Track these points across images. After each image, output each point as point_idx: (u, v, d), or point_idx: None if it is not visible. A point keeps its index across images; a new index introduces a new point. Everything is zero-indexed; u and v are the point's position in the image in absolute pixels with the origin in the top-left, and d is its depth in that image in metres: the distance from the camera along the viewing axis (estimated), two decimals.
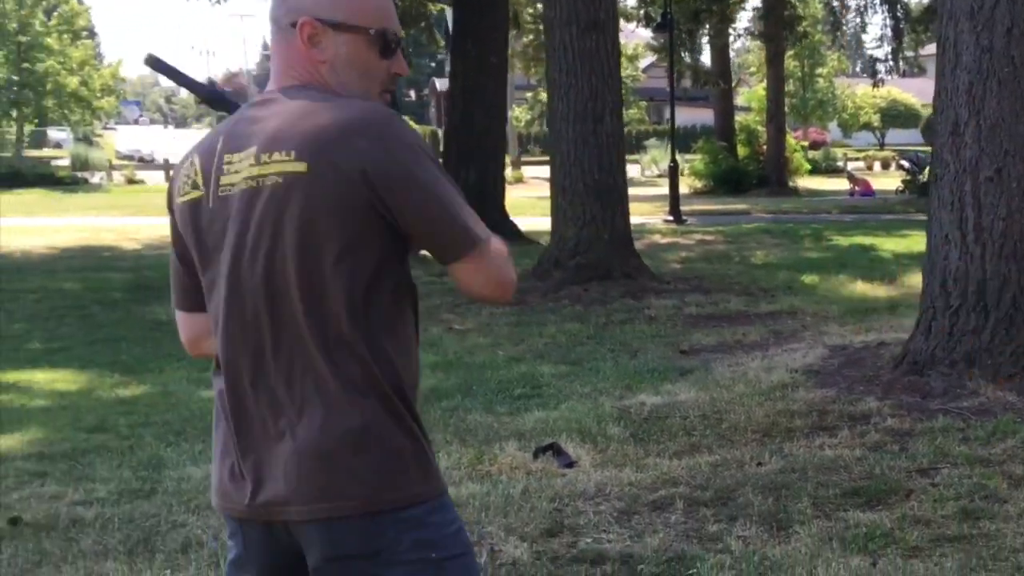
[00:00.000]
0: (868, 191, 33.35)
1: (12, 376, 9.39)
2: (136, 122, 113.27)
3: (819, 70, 45.78)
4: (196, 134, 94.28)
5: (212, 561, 5.11)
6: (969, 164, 7.72)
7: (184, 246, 2.41)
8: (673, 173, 25.17)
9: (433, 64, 77.54)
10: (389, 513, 2.24)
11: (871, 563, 4.98)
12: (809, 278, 14.51)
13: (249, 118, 2.32)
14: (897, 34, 31.19)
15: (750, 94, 43.98)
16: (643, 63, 53.88)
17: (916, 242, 18.55)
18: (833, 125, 56.76)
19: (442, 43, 30.69)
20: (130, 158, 57.61)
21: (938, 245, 7.96)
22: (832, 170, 46.13)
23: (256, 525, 2.36)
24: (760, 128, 36.50)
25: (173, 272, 2.51)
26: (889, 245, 18.71)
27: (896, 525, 5.43)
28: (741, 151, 36.62)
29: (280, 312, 2.25)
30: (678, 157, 26.31)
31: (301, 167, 2.17)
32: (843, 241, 19.86)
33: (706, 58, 39.60)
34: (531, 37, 28.95)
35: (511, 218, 20.09)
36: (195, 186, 2.34)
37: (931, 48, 35.69)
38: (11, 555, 5.27)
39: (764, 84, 39.00)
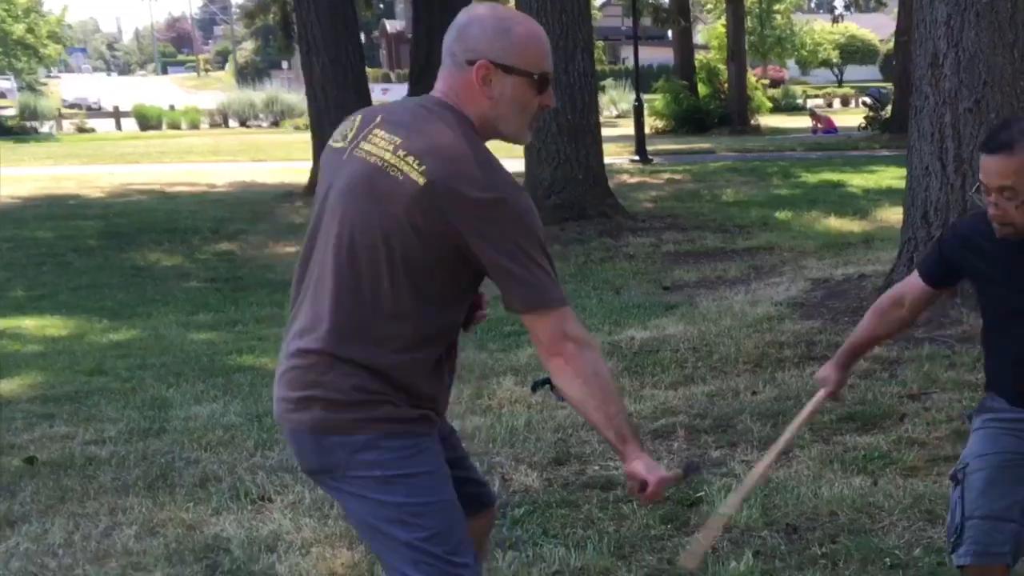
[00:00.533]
0: (831, 128, 33.51)
1: (1, 323, 9.41)
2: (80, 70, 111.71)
3: (776, 6, 45.80)
4: (140, 81, 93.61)
5: (232, 494, 5.26)
6: (948, 96, 7.86)
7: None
8: (638, 113, 25.19)
9: (382, 5, 76.84)
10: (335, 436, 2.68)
11: (872, 482, 5.17)
12: (782, 215, 14.68)
13: (411, 111, 2.70)
14: None
15: (709, 32, 43.96)
16: (598, 1, 53.78)
17: (884, 177, 18.82)
18: (791, 63, 56.92)
19: None
20: (77, 106, 56.87)
21: (919, 176, 8.12)
22: (792, 108, 46.19)
23: None
24: (721, 66, 36.53)
25: None
26: (857, 181, 18.91)
27: (892, 447, 5.63)
28: (702, 90, 36.63)
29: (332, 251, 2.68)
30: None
31: (420, 180, 2.54)
32: (811, 178, 20.03)
33: None
34: None
35: None
36: (344, 137, 2.73)
37: None
38: (33, 492, 5.37)
39: (723, 22, 39.02)
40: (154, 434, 6.26)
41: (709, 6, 46.34)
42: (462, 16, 2.70)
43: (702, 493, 5.07)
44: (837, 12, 33.88)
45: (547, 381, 7.16)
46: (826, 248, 11.83)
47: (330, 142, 2.78)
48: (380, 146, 2.62)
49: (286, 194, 18.06)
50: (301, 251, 2.83)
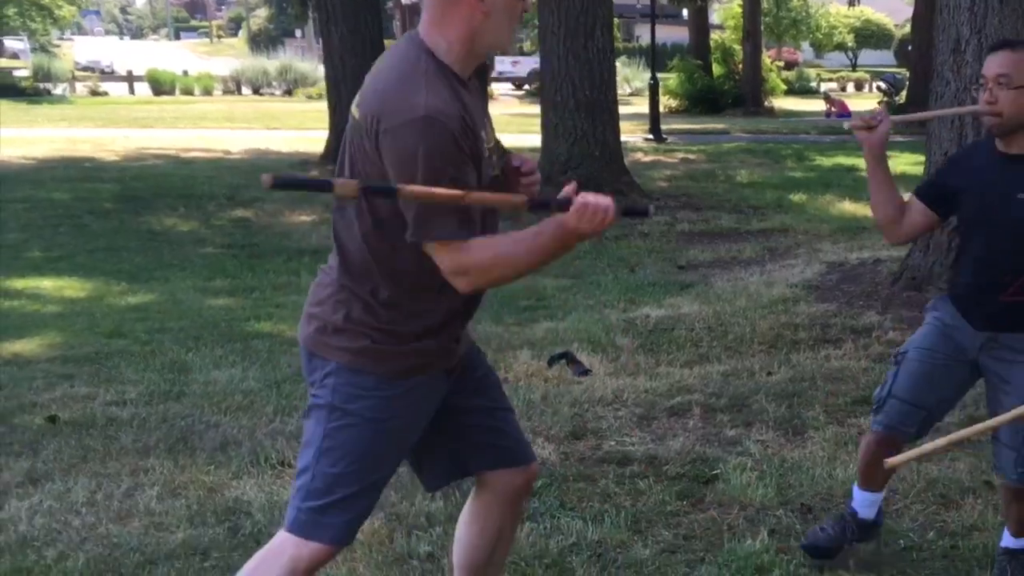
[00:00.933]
0: (845, 112, 33.36)
1: (19, 283, 9.47)
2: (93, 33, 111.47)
3: None
4: (153, 46, 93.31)
5: (252, 458, 5.32)
6: (970, 82, 7.85)
7: None
8: (653, 91, 25.16)
9: None
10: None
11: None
12: (797, 197, 14.71)
13: (381, 58, 2.83)
14: None
15: (725, 12, 43.77)
16: None
17: (899, 163, 18.70)
18: (805, 46, 56.65)
19: None
20: (90, 69, 56.74)
21: (937, 163, 8.12)
22: (805, 91, 46.02)
23: None
24: (736, 47, 36.41)
25: None
26: None
27: None
28: (716, 70, 36.53)
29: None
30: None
31: (356, 113, 2.70)
32: (825, 161, 20.02)
33: None
34: None
35: None
36: (355, 103, 2.79)
37: None
38: (55, 450, 5.43)
39: (739, 2, 38.86)
40: (174, 397, 6.32)
41: None
42: None
43: (718, 471, 5.12)
44: None
45: (564, 355, 7.26)
46: (841, 232, 11.86)
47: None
48: (356, 99, 2.75)
49: (302, 163, 18.08)
50: None
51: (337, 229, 2.88)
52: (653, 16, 24.52)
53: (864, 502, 4.23)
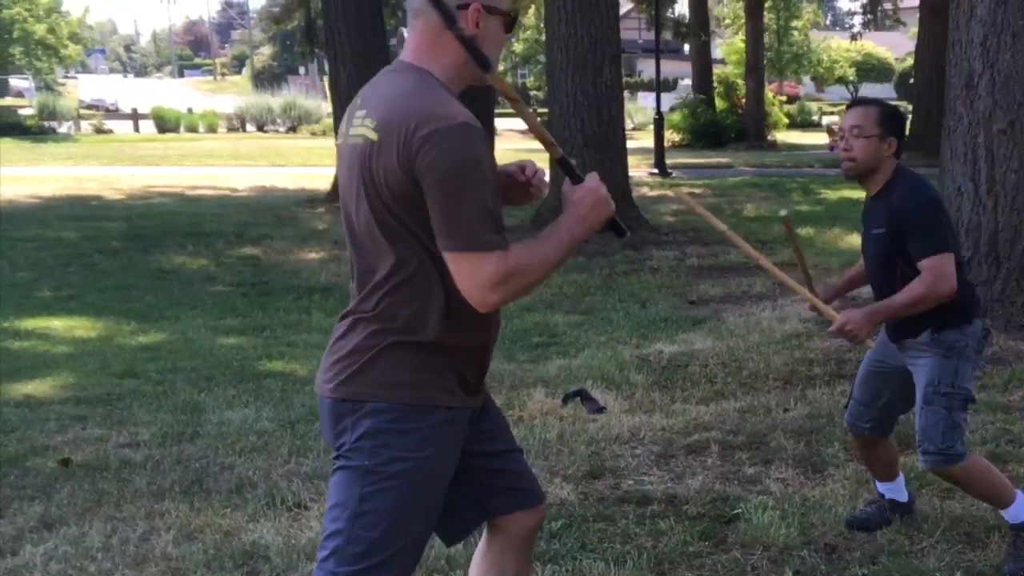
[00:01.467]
0: None
1: (30, 323, 9.46)
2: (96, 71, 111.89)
3: (794, 23, 45.78)
4: (157, 83, 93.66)
5: (268, 500, 5.27)
6: (983, 116, 7.87)
7: None
8: (659, 126, 25.19)
9: (400, 13, 76.84)
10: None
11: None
12: (805, 231, 14.66)
13: (377, 82, 2.78)
14: None
15: (728, 47, 43.92)
16: None
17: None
18: (806, 79, 56.73)
19: None
20: (94, 107, 56.92)
21: (951, 197, 8.11)
22: (807, 124, 46.10)
23: None
24: (739, 81, 36.48)
25: None
26: None
27: None
28: (719, 104, 36.60)
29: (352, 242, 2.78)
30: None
31: (374, 136, 2.61)
32: (831, 195, 20.02)
33: (680, 10, 39.57)
34: None
35: None
36: (340, 134, 2.81)
37: (911, 0, 35.50)
38: (69, 494, 5.39)
39: (741, 36, 38.96)
40: (187, 439, 6.29)
41: (727, 21, 46.33)
42: None
43: (739, 510, 5.06)
44: (855, 30, 33.56)
45: (578, 393, 7.22)
46: (850, 265, 11.78)
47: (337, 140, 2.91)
48: (357, 125, 2.70)
49: (309, 199, 18.11)
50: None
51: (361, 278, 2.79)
52: (658, 52, 24.62)
53: (888, 491, 4.92)
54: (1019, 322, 7.81)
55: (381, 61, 17.49)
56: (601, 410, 6.75)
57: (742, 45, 38.02)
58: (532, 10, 37.13)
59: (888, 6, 34.07)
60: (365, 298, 2.71)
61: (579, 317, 9.44)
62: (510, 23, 2.81)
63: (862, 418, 4.69)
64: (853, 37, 36.98)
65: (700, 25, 35.19)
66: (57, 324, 9.46)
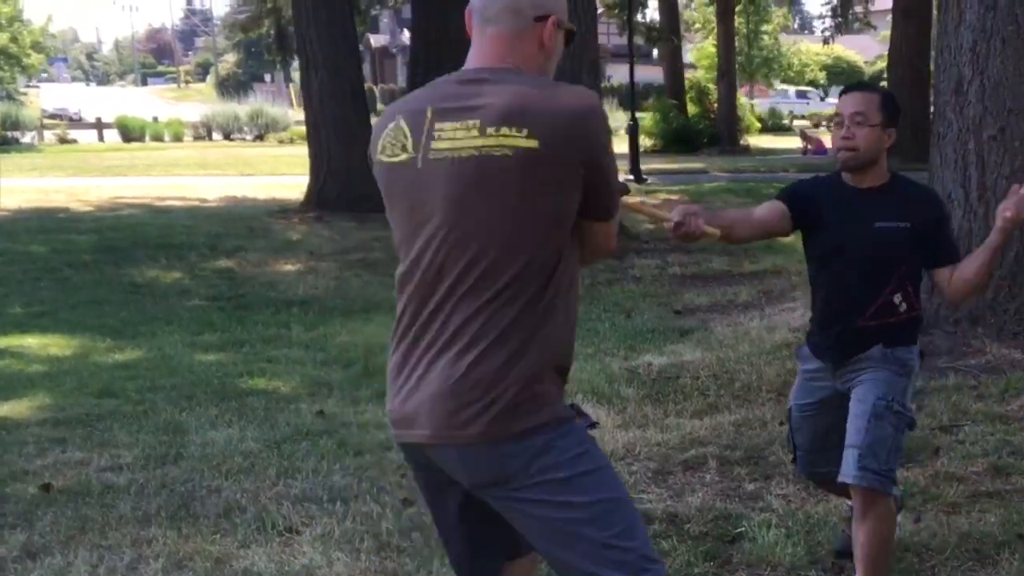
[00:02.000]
0: (821, 149, 33.41)
1: (2, 341, 9.23)
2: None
3: (764, 27, 45.92)
4: (120, 92, 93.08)
5: (258, 525, 5.13)
6: (972, 123, 7.79)
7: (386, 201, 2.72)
8: (633, 132, 25.11)
9: (383, 15, 76.58)
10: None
11: (914, 519, 5.06)
12: (786, 238, 14.55)
13: (458, 91, 2.61)
14: None
15: (699, 51, 43.93)
16: None
17: None
18: (778, 83, 56.91)
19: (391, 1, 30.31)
20: (57, 117, 56.32)
21: (944, 203, 8.03)
22: (778, 128, 46.21)
23: None
24: (711, 86, 36.49)
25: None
26: None
27: (931, 482, 5.53)
28: (691, 109, 36.59)
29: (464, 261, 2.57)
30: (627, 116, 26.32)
31: (533, 143, 2.47)
32: None
33: (651, 14, 39.61)
34: None
35: None
36: (404, 148, 2.62)
37: (881, 3, 35.76)
38: (52, 521, 5.22)
39: (712, 41, 39.01)
40: (171, 460, 6.12)
41: (697, 25, 46.41)
42: None
43: (742, 528, 4.96)
44: (827, 33, 33.66)
45: (571, 407, 7.08)
46: None
47: (382, 159, 2.68)
48: (460, 137, 2.54)
49: (281, 210, 17.88)
50: (404, 280, 2.71)
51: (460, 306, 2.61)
52: (632, 57, 24.55)
53: None
54: (1012, 330, 7.74)
55: (353, 67, 17.41)
56: (594, 425, 6.52)
57: (713, 49, 38.05)
58: None
59: (859, 9, 34.14)
60: (493, 317, 2.55)
61: None
62: (569, 38, 2.79)
63: (818, 464, 4.34)
64: (825, 41, 37.04)
65: (671, 30, 35.20)
66: (31, 342, 9.24)
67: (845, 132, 3.92)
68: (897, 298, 3.97)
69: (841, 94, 4.06)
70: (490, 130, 2.48)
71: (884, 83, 30.26)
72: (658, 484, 5.65)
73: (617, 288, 11.26)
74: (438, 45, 18.97)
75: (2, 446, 6.41)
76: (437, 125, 2.56)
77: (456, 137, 2.53)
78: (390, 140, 2.65)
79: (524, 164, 2.47)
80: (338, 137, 16.89)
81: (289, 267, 13.02)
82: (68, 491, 5.64)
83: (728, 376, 7.57)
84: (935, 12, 30.01)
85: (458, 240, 2.55)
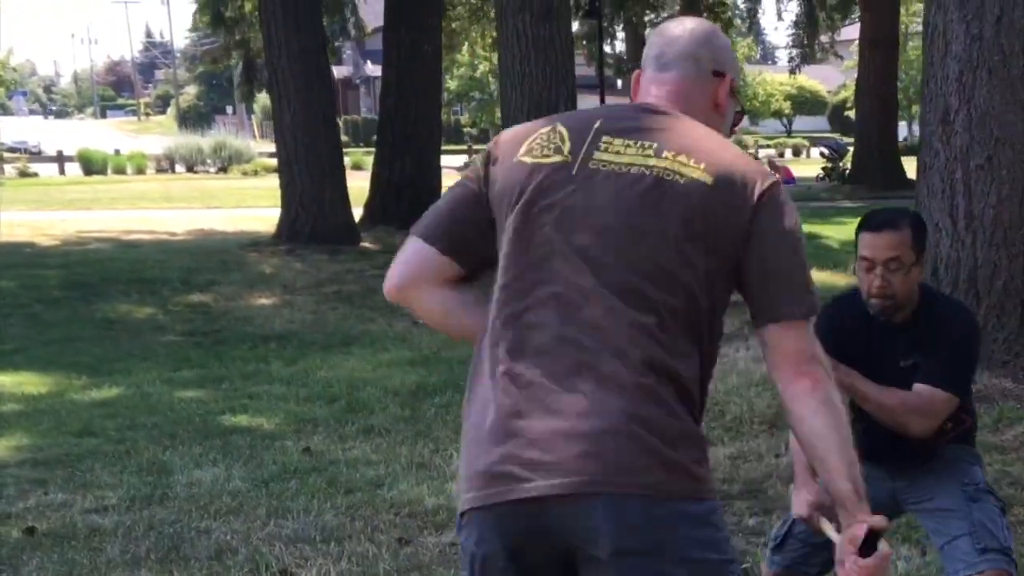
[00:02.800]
0: (789, 178, 33.50)
1: None
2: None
3: None
4: (79, 124, 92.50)
5: (251, 567, 5.04)
6: (960, 152, 7.78)
7: (491, 196, 2.41)
8: None
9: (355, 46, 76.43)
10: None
11: (921, 552, 5.00)
12: None
13: (635, 115, 2.43)
14: (811, 21, 31.65)
15: None
16: None
17: (850, 230, 18.77)
18: None
19: (368, 30, 30.31)
20: (16, 150, 55.77)
21: (928, 233, 8.00)
22: None
23: None
24: None
25: (453, 213, 2.45)
26: (829, 232, 18.86)
27: None
28: None
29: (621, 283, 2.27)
30: None
31: (708, 179, 2.28)
32: None
33: (619, 46, 39.65)
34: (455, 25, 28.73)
35: None
36: (558, 151, 2.36)
37: (847, 34, 36.05)
38: (38, 566, 5.09)
39: None
40: (157, 501, 5.97)
41: None
42: (699, 24, 2.59)
43: (747, 564, 4.86)
44: (794, 63, 33.77)
45: None
46: (820, 302, 11.68)
47: (524, 159, 2.36)
48: (631, 153, 2.33)
49: (252, 243, 17.70)
50: (512, 279, 2.32)
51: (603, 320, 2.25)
52: (602, 88, 24.52)
53: None
54: (1001, 359, 7.70)
55: (325, 101, 17.30)
56: None
57: None
58: (466, 47, 36.95)
59: (824, 39, 34.38)
60: (657, 345, 2.23)
61: None
62: (740, 117, 2.67)
63: (811, 561, 3.80)
64: (792, 71, 37.18)
65: (639, 60, 35.16)
66: (4, 380, 9.04)
67: (880, 282, 3.47)
68: (947, 424, 3.61)
69: (865, 229, 3.53)
70: (668, 154, 2.31)
71: (853, 112, 30.52)
72: None
73: None
74: (409, 74, 19.02)
75: None
76: (605, 138, 2.36)
77: (626, 152, 2.33)
78: (541, 142, 2.37)
79: (693, 194, 2.26)
80: (310, 170, 16.75)
81: (264, 301, 12.87)
82: (53, 534, 5.50)
83: (719, 408, 7.49)
84: (902, 42, 30.38)
85: (612, 256, 2.26)
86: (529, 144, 2.38)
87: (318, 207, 16.76)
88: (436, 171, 19.77)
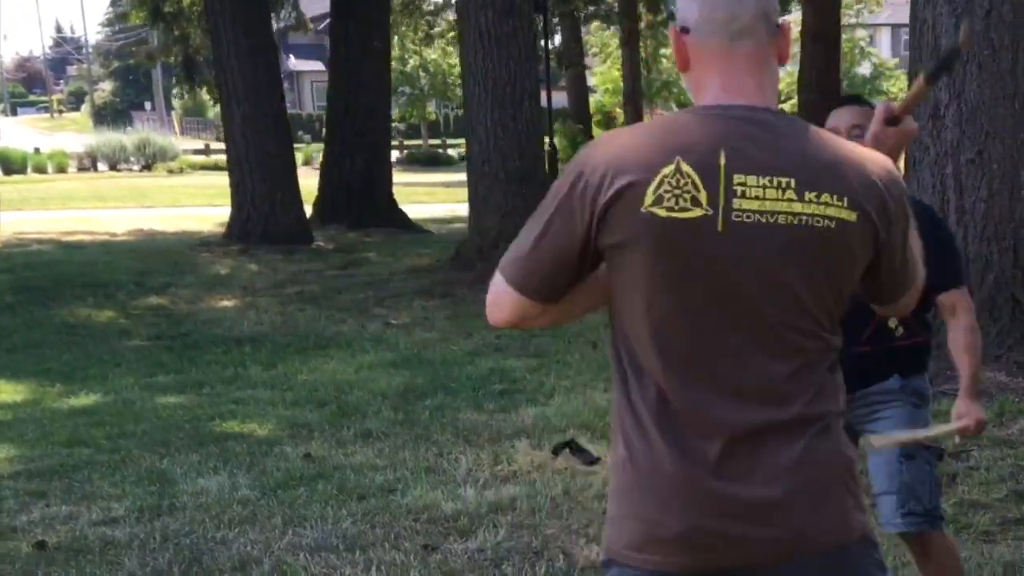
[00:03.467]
0: None
1: None
2: None
3: (663, 51, 46.30)
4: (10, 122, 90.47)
5: None
6: (950, 147, 7.82)
7: (605, 243, 2.12)
8: (552, 158, 24.99)
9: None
10: None
11: None
12: None
13: (752, 134, 2.11)
14: None
15: (602, 76, 44.16)
16: None
17: None
18: (674, 107, 57.50)
19: (310, 26, 29.99)
20: None
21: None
22: None
23: None
24: (617, 110, 36.64)
25: (555, 263, 2.16)
26: None
27: (958, 511, 5.47)
28: (597, 133, 36.66)
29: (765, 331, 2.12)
30: None
31: (852, 216, 2.09)
32: None
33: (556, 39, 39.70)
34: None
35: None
36: (695, 202, 2.06)
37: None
38: None
39: (614, 65, 39.16)
40: (166, 512, 5.82)
41: (594, 50, 46.62)
42: None
43: None
44: None
45: (567, 444, 6.90)
46: None
47: (658, 212, 2.06)
48: (771, 198, 2.07)
49: (201, 243, 17.44)
50: (666, 325, 2.12)
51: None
52: (549, 83, 24.43)
53: None
54: (994, 353, 7.75)
55: (275, 99, 17.07)
56: (595, 461, 6.48)
57: (616, 74, 38.20)
58: (395, 40, 36.68)
59: None
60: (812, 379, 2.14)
61: (534, 361, 9.13)
62: None
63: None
64: None
65: (578, 54, 35.33)
66: None
67: None
68: (893, 322, 3.76)
69: (835, 107, 3.82)
70: (809, 195, 2.07)
71: (786, 106, 30.76)
72: None
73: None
74: (358, 70, 18.83)
75: None
76: (737, 178, 2.06)
77: (767, 197, 2.06)
78: (672, 188, 2.06)
79: (844, 237, 2.10)
80: (260, 169, 16.54)
81: (226, 303, 12.64)
82: (65, 548, 5.35)
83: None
84: (843, 35, 30.63)
85: (771, 320, 2.11)
86: (657, 191, 2.06)
87: (269, 206, 16.58)
88: (387, 168, 19.61)
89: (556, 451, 6.66)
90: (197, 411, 7.91)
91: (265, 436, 7.27)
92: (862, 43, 52.64)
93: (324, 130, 20.56)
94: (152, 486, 6.24)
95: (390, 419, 7.54)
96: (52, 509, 5.89)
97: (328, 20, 21.38)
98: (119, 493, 6.13)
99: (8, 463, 6.81)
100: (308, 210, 18.39)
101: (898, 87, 54.84)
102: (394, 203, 19.52)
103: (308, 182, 19.43)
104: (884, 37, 65.02)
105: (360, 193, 18.36)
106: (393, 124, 55.70)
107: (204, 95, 37.15)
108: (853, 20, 42.98)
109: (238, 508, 5.83)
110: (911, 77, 8.17)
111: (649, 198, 2.06)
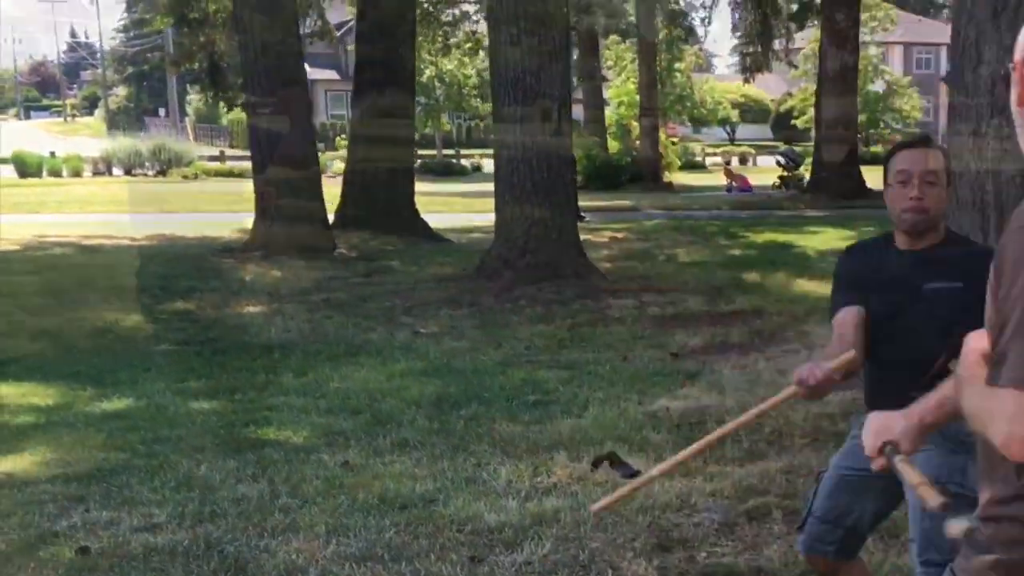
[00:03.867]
0: (746, 187, 33.69)
1: None
2: None
3: (677, 65, 46.36)
4: (3, 125, 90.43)
5: None
6: (991, 164, 7.76)
7: None
8: (571, 169, 25.00)
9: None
10: None
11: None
12: (751, 276, 14.53)
13: None
14: (766, 29, 31.89)
15: (617, 89, 44.15)
16: None
17: (830, 238, 18.88)
18: (687, 121, 57.54)
19: (335, 35, 30.05)
20: None
21: None
22: (692, 165, 46.53)
23: None
24: (633, 123, 36.64)
25: None
26: (803, 242, 18.93)
27: None
28: (613, 146, 36.69)
29: None
30: None
31: None
32: (756, 238, 19.94)
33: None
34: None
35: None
36: None
37: (800, 42, 36.28)
38: None
39: (630, 79, 39.19)
40: (207, 518, 5.79)
41: (609, 63, 46.66)
42: None
43: None
44: (747, 73, 34.02)
45: (608, 458, 6.88)
46: (819, 312, 11.67)
47: None
48: None
49: (223, 249, 17.45)
50: None
51: None
52: (569, 96, 24.42)
53: None
54: None
55: (301, 106, 17.09)
56: (634, 474, 6.43)
57: (632, 87, 38.19)
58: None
59: (778, 47, 34.61)
60: None
61: (565, 372, 9.08)
62: None
63: (825, 539, 3.97)
64: (746, 80, 37.41)
65: (595, 68, 35.33)
66: (7, 391, 8.74)
67: (916, 193, 3.60)
68: (953, 365, 3.62)
69: (901, 149, 3.75)
70: None
71: (814, 121, 30.69)
72: (727, 536, 5.53)
73: (602, 329, 11.04)
74: (385, 79, 18.84)
75: (19, 505, 6.04)
76: None
77: None
78: None
79: None
80: (284, 175, 16.53)
81: (252, 309, 12.61)
82: (108, 554, 5.32)
83: (756, 422, 7.41)
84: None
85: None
86: None
87: (294, 212, 16.55)
88: (410, 177, 19.61)
89: (596, 464, 6.63)
90: (230, 417, 7.88)
91: (301, 443, 7.24)
92: (875, 60, 52.69)
93: (337, 139, 20.53)
94: (191, 492, 6.21)
95: (425, 428, 7.50)
96: (92, 514, 5.87)
97: (343, 30, 21.43)
98: (159, 499, 6.11)
99: (44, 467, 6.78)
100: (332, 217, 18.42)
101: (911, 104, 54.93)
102: (416, 212, 19.51)
103: (326, 190, 19.46)
104: (896, 55, 65.07)
105: (383, 202, 18.36)
106: None
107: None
108: (867, 38, 42.92)
109: (279, 516, 5.81)
110: (956, 95, 8.10)
111: None
